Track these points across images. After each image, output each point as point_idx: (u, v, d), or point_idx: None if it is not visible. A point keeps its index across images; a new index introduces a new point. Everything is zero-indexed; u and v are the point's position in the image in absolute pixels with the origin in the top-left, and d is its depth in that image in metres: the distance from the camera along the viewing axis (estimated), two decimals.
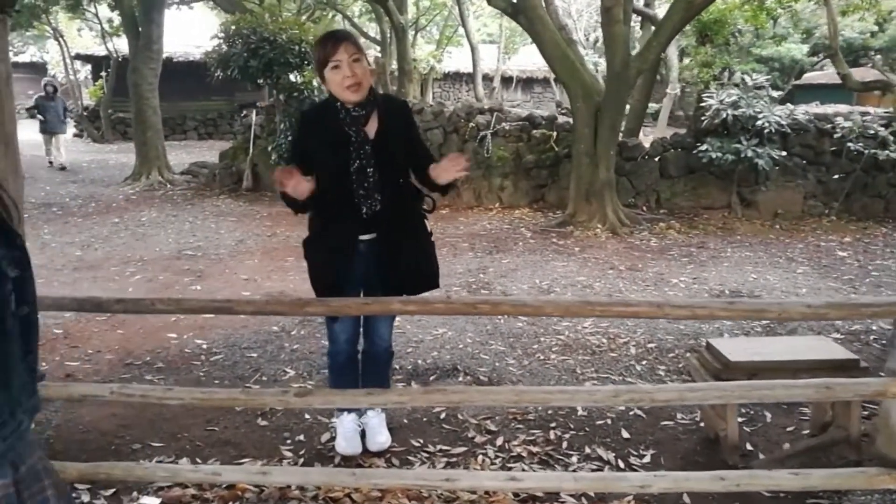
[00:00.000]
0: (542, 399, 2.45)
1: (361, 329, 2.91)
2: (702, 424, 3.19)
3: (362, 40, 19.64)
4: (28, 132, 20.84)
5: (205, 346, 4.15)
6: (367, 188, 2.53)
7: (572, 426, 3.18)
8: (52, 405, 3.21)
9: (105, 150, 16.88)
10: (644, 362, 3.96)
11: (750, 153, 7.60)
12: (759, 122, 7.61)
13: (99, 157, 15.24)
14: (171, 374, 3.77)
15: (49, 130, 13.12)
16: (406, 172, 2.67)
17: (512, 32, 24.11)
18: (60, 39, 19.36)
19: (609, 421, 3.22)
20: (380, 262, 2.62)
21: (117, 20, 16.86)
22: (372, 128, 2.54)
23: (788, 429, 3.19)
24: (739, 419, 2.95)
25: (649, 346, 4.18)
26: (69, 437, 3.02)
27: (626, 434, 3.13)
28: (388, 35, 16.90)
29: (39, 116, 13.09)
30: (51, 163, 13.26)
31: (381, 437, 2.94)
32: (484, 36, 26.25)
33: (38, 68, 28.69)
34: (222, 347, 4.13)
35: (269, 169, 10.03)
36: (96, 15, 17.85)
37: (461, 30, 19.39)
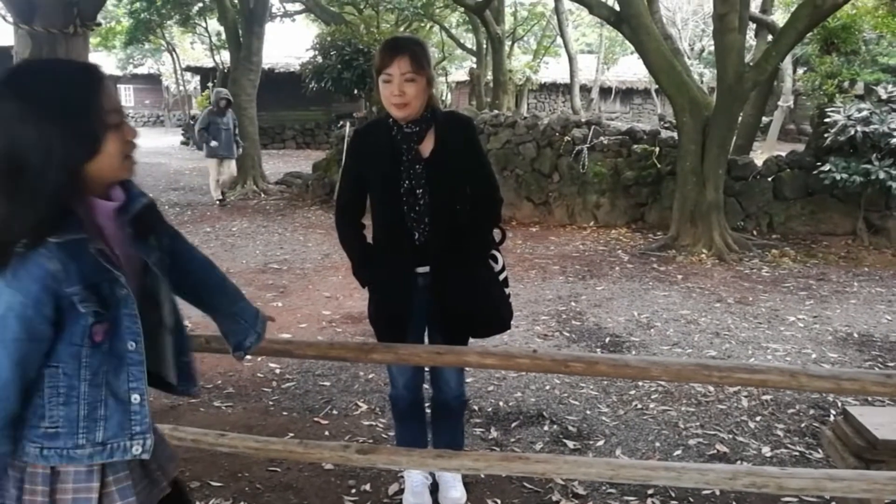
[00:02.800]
0: (643, 475, 2.06)
1: (428, 375, 2.64)
2: None
3: (457, 51, 19.55)
4: (149, 139, 22.08)
5: (278, 371, 3.98)
6: (417, 212, 2.30)
7: (673, 495, 2.75)
8: None
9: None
10: (759, 418, 3.45)
11: (882, 175, 6.78)
12: (894, 140, 6.79)
13: (201, 165, 15.74)
14: (241, 400, 3.61)
15: (220, 154, 9.87)
16: (465, 198, 2.39)
17: (612, 42, 23.41)
18: (173, 52, 20.36)
19: (718, 492, 2.77)
20: (440, 301, 2.35)
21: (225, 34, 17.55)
22: (427, 147, 2.31)
23: None
24: None
25: (764, 398, 3.66)
26: None
27: None
28: (485, 46, 16.69)
29: (213, 142, 9.74)
30: (221, 200, 10.16)
31: (455, 493, 2.63)
32: (582, 46, 25.65)
33: (154, 79, 30.50)
34: (296, 373, 3.95)
35: None
36: (206, 28, 18.66)
37: (559, 40, 18.96)
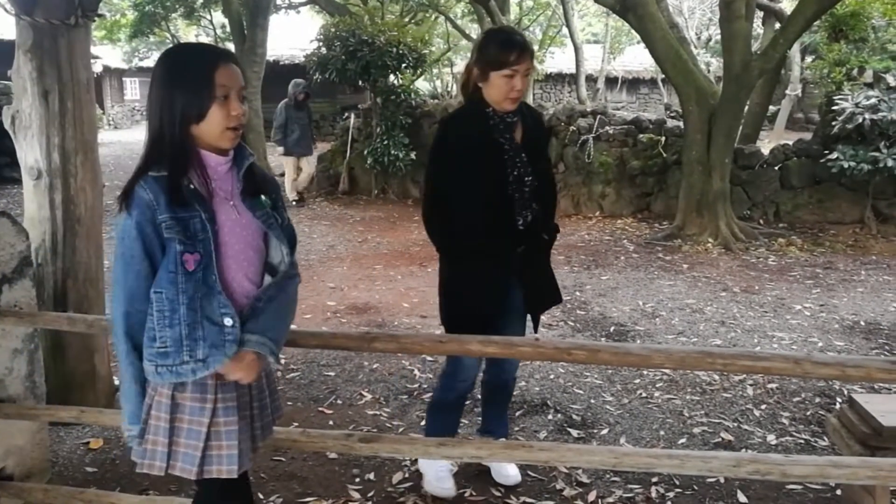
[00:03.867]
0: (646, 463, 2.05)
1: (484, 360, 2.66)
2: (838, 492, 2.68)
3: (462, 41, 19.53)
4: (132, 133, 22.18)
5: (282, 361, 3.98)
6: (525, 198, 2.37)
7: (678, 482, 2.75)
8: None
9: None
10: (764, 406, 3.44)
11: (890, 162, 6.73)
12: None
13: None
14: None
15: (297, 152, 9.23)
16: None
17: (618, 32, 23.23)
18: None
19: (722, 479, 2.77)
20: (529, 278, 2.46)
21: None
22: (518, 135, 2.40)
23: None
24: None
25: (769, 386, 3.65)
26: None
27: (742, 498, 2.67)
28: None
29: (279, 141, 9.15)
30: (298, 200, 9.40)
31: (511, 469, 2.68)
32: (588, 36, 25.49)
33: None
34: (300, 363, 3.96)
35: (365, 172, 9.98)
36: (211, 21, 18.61)
37: (565, 30, 18.83)
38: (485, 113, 2.33)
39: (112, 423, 2.33)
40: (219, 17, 18.39)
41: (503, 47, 2.29)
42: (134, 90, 32.80)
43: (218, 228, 1.59)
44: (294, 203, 9.23)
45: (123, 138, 20.08)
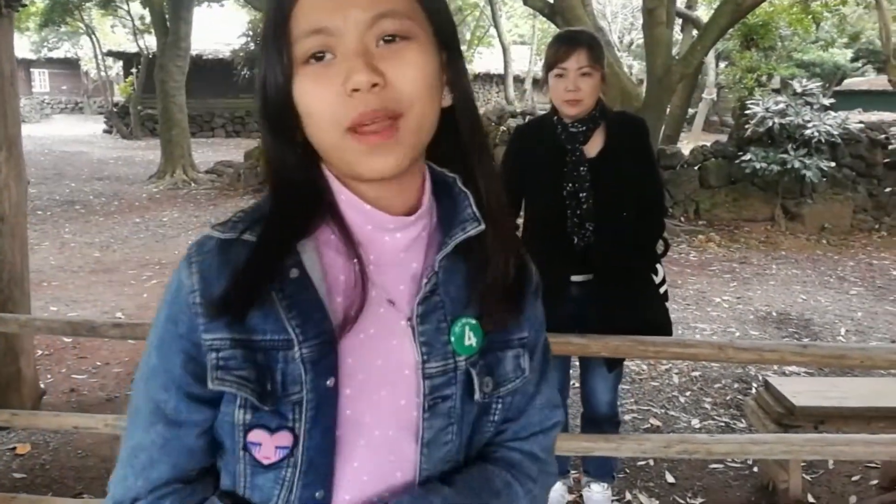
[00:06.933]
0: (584, 448, 2.16)
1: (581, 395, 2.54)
2: (755, 469, 2.88)
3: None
4: (68, 127, 21.06)
5: None
6: (580, 216, 2.15)
7: None
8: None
9: (133, 147, 16.92)
10: (688, 393, 3.65)
11: (797, 164, 7.20)
12: (807, 132, 7.21)
13: (126, 154, 15.24)
14: None
15: None
16: (631, 204, 2.17)
17: (545, 34, 23.77)
18: (93, 36, 19.47)
19: (651, 462, 2.93)
20: (598, 311, 2.16)
21: (149, 17, 16.90)
22: (594, 147, 2.15)
23: (854, 478, 2.86)
24: None
25: (693, 374, 3.87)
26: (66, 464, 2.81)
27: (670, 478, 2.83)
28: None
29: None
30: None
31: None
32: (515, 37, 25.94)
33: (71, 64, 29.08)
34: None
35: None
36: (128, 12, 17.92)
37: (492, 30, 19.14)
38: (552, 122, 2.16)
39: (47, 425, 2.26)
40: (137, 7, 17.73)
41: (553, 44, 2.13)
42: (43, 82, 31.15)
43: (339, 381, 0.68)
44: None
45: (33, 133, 19.03)
